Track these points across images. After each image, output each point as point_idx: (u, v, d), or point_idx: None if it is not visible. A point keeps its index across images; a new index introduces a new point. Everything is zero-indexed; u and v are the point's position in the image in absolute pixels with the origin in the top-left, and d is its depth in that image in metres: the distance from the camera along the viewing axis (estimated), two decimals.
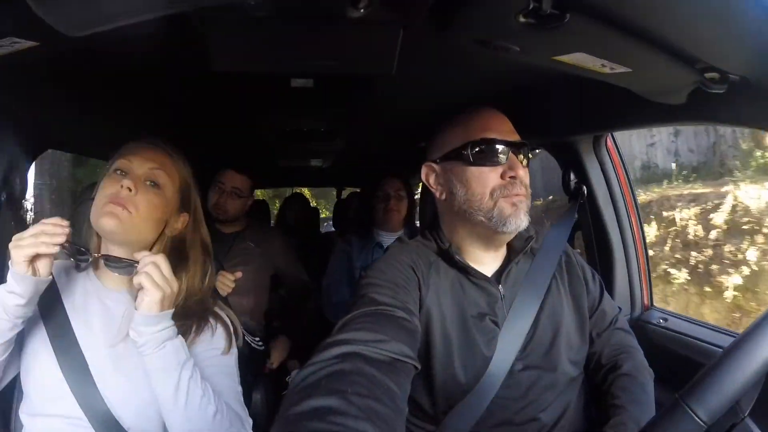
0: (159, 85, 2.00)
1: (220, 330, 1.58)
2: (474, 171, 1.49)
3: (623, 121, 1.92)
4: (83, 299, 1.53)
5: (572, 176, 2.25)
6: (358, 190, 6.17)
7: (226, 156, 3.27)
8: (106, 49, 1.30)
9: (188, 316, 1.52)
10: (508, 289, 1.55)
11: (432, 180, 1.62)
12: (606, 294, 1.73)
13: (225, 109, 2.41)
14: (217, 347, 1.56)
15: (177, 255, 1.55)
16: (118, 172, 1.48)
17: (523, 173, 1.47)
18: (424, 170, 1.63)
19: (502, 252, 1.62)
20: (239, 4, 1.07)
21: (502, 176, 1.46)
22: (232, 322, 1.65)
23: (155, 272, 1.34)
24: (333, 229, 6.04)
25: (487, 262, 1.59)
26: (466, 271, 1.54)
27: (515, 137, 1.51)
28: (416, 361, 1.20)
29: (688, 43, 1.14)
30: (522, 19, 1.06)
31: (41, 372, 1.43)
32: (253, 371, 2.92)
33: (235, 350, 1.63)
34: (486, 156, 1.48)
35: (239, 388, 1.61)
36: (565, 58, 1.29)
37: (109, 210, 1.42)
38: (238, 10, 1.12)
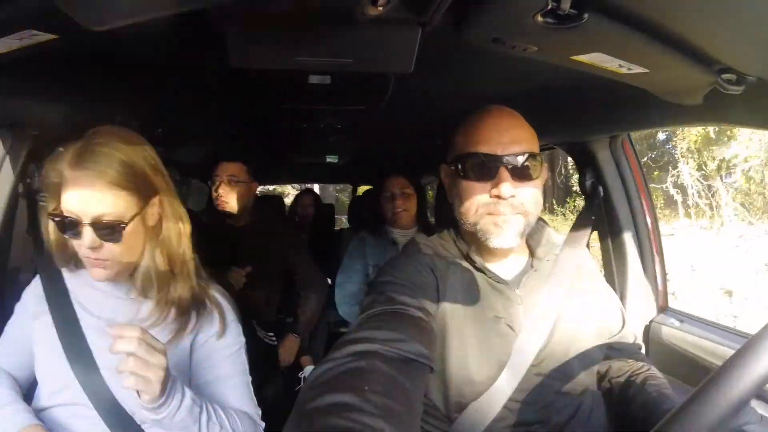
0: (176, 81, 2.02)
1: (220, 315, 1.59)
2: (464, 184, 1.48)
3: (639, 121, 1.92)
4: (88, 290, 1.56)
5: (588, 176, 2.25)
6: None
7: (242, 151, 3.28)
8: (125, 44, 1.31)
9: (188, 309, 1.54)
10: (526, 294, 1.54)
11: (446, 181, 1.62)
12: (623, 314, 1.73)
13: (242, 105, 2.43)
14: (219, 334, 1.57)
15: (155, 232, 1.52)
16: (69, 228, 1.40)
17: (515, 190, 1.41)
18: (441, 171, 1.63)
19: (523, 255, 1.62)
20: (259, 2, 1.09)
21: (490, 193, 1.43)
22: (231, 307, 1.65)
23: (140, 366, 1.22)
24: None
25: (505, 265, 1.58)
26: (485, 274, 1.54)
27: (517, 149, 1.43)
28: (432, 361, 1.20)
29: (705, 43, 1.14)
30: (540, 19, 1.06)
31: (48, 362, 1.47)
32: (267, 366, 2.94)
33: (241, 339, 1.64)
34: (475, 171, 1.45)
35: (248, 378, 1.63)
36: (582, 58, 1.29)
37: (93, 266, 1.43)
38: (258, 7, 1.14)
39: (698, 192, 13.24)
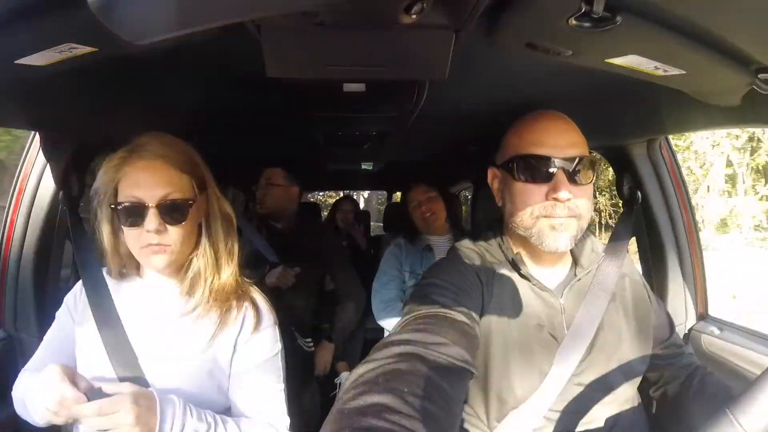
0: (213, 90, 2.04)
1: (257, 318, 1.61)
2: (519, 186, 1.47)
3: (677, 124, 1.90)
4: (135, 292, 1.60)
5: (626, 181, 2.23)
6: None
7: (277, 159, 3.35)
8: (161, 55, 1.33)
9: (231, 305, 1.57)
10: (569, 303, 1.53)
11: (495, 185, 1.61)
12: (671, 320, 1.72)
13: (277, 114, 2.45)
14: (256, 336, 1.59)
15: (204, 231, 1.57)
16: (132, 215, 1.44)
17: (570, 193, 1.40)
18: (489, 174, 1.62)
19: (567, 264, 1.60)
20: (294, 12, 1.10)
21: (546, 195, 1.42)
22: (269, 312, 1.67)
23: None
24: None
25: (551, 273, 1.57)
26: (529, 281, 1.53)
27: (573, 152, 1.43)
28: (473, 366, 1.20)
29: (742, 43, 1.13)
30: (574, 22, 1.05)
31: (92, 368, 1.50)
32: (304, 372, 2.96)
33: (278, 346, 1.65)
34: (531, 173, 1.44)
35: (281, 386, 1.63)
36: (618, 60, 1.28)
37: (154, 253, 1.47)
38: (293, 18, 1.15)
39: None
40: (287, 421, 1.60)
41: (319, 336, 3.36)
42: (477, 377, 1.41)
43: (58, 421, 1.31)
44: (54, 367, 1.30)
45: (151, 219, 1.42)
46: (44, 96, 1.60)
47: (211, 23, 0.95)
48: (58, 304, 1.69)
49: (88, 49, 1.21)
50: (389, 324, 3.23)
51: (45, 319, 1.74)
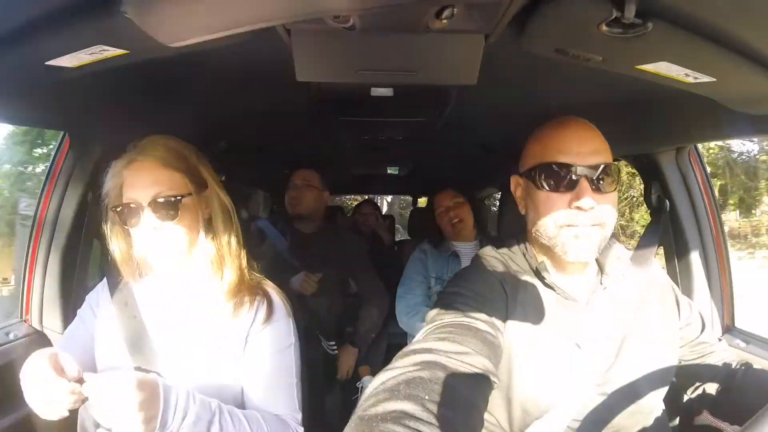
0: (242, 94, 2.07)
1: (269, 308, 1.63)
2: (542, 195, 1.44)
3: (706, 132, 1.88)
4: (150, 295, 1.65)
5: (654, 189, 2.21)
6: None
7: (304, 163, 3.37)
8: (193, 59, 1.35)
9: (240, 296, 1.59)
10: (594, 312, 1.51)
11: (518, 193, 1.59)
12: (702, 317, 1.68)
13: (304, 118, 2.47)
14: (268, 326, 1.61)
15: (208, 224, 1.61)
16: (130, 216, 1.50)
17: (594, 201, 1.36)
18: (512, 182, 1.60)
19: (592, 275, 1.58)
20: (324, 17, 1.11)
21: (569, 204, 1.39)
22: (284, 304, 1.69)
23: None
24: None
25: (575, 282, 1.55)
26: (554, 290, 1.52)
27: (596, 159, 1.39)
28: (496, 376, 1.21)
29: None
30: (605, 28, 1.05)
31: (109, 355, 1.55)
32: (327, 376, 2.97)
33: (291, 339, 1.66)
34: (555, 182, 1.40)
35: (292, 380, 1.64)
36: (648, 67, 1.27)
37: (155, 253, 1.53)
38: (324, 23, 1.16)
39: None
40: (299, 415, 1.61)
41: (343, 339, 3.37)
42: (501, 386, 1.42)
43: (57, 409, 1.30)
44: (38, 360, 1.30)
45: (147, 218, 1.48)
46: (74, 97, 1.64)
47: (243, 27, 0.97)
48: (83, 302, 1.74)
49: (119, 52, 1.24)
50: (413, 329, 3.23)
51: (71, 317, 1.77)
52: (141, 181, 1.49)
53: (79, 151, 2.05)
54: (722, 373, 1.55)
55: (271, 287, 1.70)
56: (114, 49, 1.22)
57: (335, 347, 3.24)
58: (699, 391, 1.62)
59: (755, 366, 1.51)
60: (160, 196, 1.49)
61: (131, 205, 1.49)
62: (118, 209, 1.51)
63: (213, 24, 0.97)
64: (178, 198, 1.51)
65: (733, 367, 1.55)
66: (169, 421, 1.29)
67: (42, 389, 1.27)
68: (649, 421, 1.50)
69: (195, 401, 1.37)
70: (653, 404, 1.51)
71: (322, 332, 3.14)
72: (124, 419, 1.23)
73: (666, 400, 1.57)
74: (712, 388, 1.57)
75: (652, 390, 1.49)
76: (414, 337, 1.30)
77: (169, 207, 1.49)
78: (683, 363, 1.58)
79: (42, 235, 2.06)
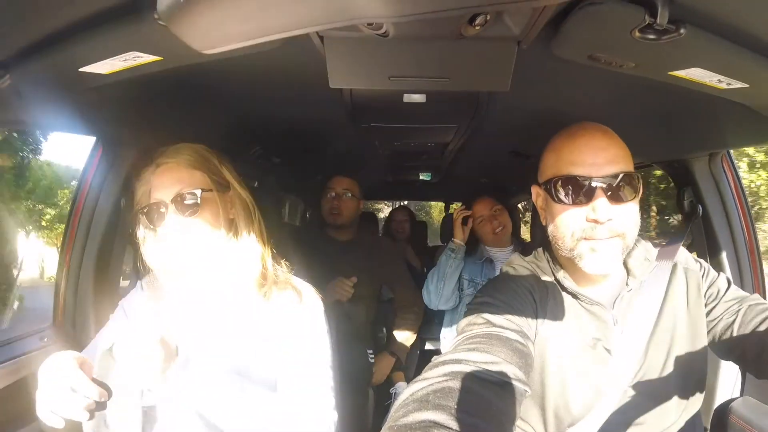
0: (275, 101, 2.10)
1: (297, 296, 1.66)
2: (558, 208, 1.43)
3: (739, 138, 1.87)
4: (178, 292, 1.68)
5: (687, 195, 2.20)
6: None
7: (337, 170, 3.40)
8: (227, 66, 1.39)
9: (263, 285, 1.63)
10: (621, 314, 1.50)
11: (539, 203, 1.58)
12: (731, 283, 1.57)
13: (337, 124, 2.49)
14: (297, 314, 1.63)
15: (233, 228, 1.66)
16: (155, 214, 1.56)
17: (613, 212, 1.35)
18: (533, 192, 1.59)
19: (619, 277, 1.56)
20: (357, 24, 1.13)
21: (586, 217, 1.38)
22: (312, 292, 1.71)
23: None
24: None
25: (602, 287, 1.54)
26: (578, 298, 1.52)
27: (612, 169, 1.37)
28: (527, 384, 1.20)
29: None
30: (637, 35, 1.06)
31: None
32: (363, 382, 2.98)
33: (323, 329, 1.68)
34: (570, 195, 1.40)
35: (328, 371, 1.64)
36: (681, 73, 1.27)
37: (179, 251, 1.57)
38: (356, 30, 1.18)
39: None
40: (334, 416, 1.60)
41: (380, 346, 3.38)
42: (534, 394, 1.42)
43: (68, 409, 1.29)
44: (62, 355, 1.34)
45: (170, 213, 1.54)
46: (107, 104, 1.67)
47: (278, 34, 0.98)
48: (116, 307, 1.77)
49: (153, 58, 1.27)
50: (435, 301, 3.32)
51: (102, 322, 1.79)
52: (165, 182, 1.56)
53: (111, 158, 2.08)
54: (757, 331, 1.39)
55: (300, 282, 1.72)
56: (147, 55, 1.25)
57: (372, 354, 3.25)
58: (737, 355, 1.49)
59: None
60: (182, 192, 1.55)
61: (156, 205, 1.55)
62: (145, 210, 1.58)
63: (247, 31, 0.98)
64: (198, 192, 1.57)
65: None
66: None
67: (58, 384, 1.28)
68: (682, 419, 1.50)
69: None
70: (685, 399, 1.50)
71: (358, 338, 3.14)
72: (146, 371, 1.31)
73: (700, 386, 1.55)
74: (749, 350, 1.41)
75: (684, 384, 1.49)
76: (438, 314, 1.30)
77: (191, 202, 1.56)
78: (716, 329, 1.50)
79: (76, 240, 2.09)
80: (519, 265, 1.64)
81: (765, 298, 2.19)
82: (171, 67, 1.33)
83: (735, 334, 1.44)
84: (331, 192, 3.27)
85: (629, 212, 1.40)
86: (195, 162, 1.60)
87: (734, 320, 1.45)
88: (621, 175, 1.37)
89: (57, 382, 1.28)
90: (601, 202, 1.35)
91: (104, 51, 1.21)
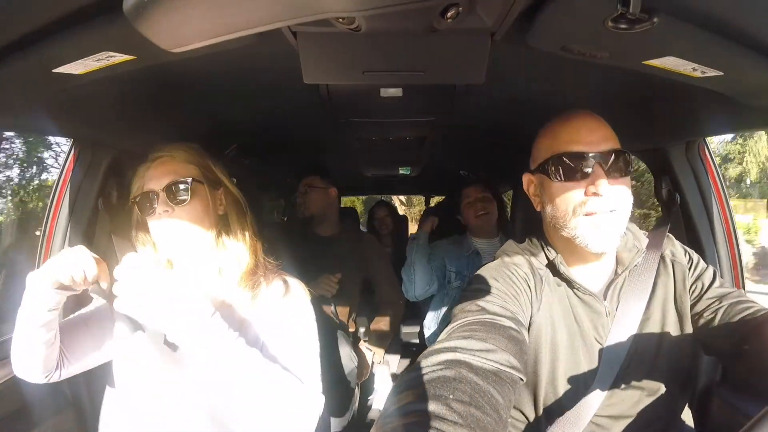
0: (250, 99, 2.08)
1: (285, 285, 1.68)
2: (558, 186, 1.46)
3: (716, 126, 1.87)
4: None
5: (664, 184, 2.20)
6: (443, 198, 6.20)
7: (314, 166, 3.40)
8: (201, 65, 1.38)
9: (252, 276, 1.64)
10: (613, 305, 1.52)
11: (531, 190, 1.60)
12: (716, 278, 1.57)
13: (314, 120, 2.47)
14: (283, 301, 1.64)
15: (223, 220, 1.68)
16: (146, 202, 1.59)
17: (610, 187, 1.39)
18: (524, 180, 1.61)
19: (609, 265, 1.58)
20: (330, 19, 1.11)
21: (585, 191, 1.40)
22: (299, 282, 1.73)
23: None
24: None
25: (593, 275, 1.56)
26: (573, 286, 1.53)
27: (607, 146, 1.42)
28: (522, 372, 1.20)
29: None
30: (610, 24, 1.05)
31: (131, 351, 1.57)
32: (350, 376, 2.98)
33: (310, 316, 1.68)
34: (569, 171, 1.42)
35: (315, 354, 1.64)
36: (655, 62, 1.27)
37: (167, 236, 1.59)
38: (329, 25, 1.16)
39: None
40: (320, 386, 1.59)
41: (357, 341, 3.38)
42: (527, 382, 1.42)
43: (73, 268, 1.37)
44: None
45: (161, 201, 1.56)
46: (82, 105, 1.65)
47: (245, 31, 0.96)
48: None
49: (126, 58, 1.25)
50: (419, 291, 3.33)
51: None
52: (158, 173, 1.60)
53: (87, 159, 2.06)
54: (735, 328, 1.41)
55: (287, 274, 1.74)
56: (120, 55, 1.23)
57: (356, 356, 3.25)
58: (717, 352, 1.55)
59: None
60: (173, 181, 1.58)
61: (147, 194, 1.58)
62: (137, 200, 1.60)
63: (214, 28, 0.97)
64: (189, 181, 1.59)
65: (751, 317, 1.40)
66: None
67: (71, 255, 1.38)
68: (670, 407, 1.52)
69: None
70: (673, 389, 1.51)
71: (342, 333, 3.14)
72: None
73: (689, 382, 1.57)
74: (727, 347, 1.44)
75: (672, 374, 1.50)
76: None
77: (181, 190, 1.58)
78: (698, 324, 1.52)
79: (53, 244, 2.07)
80: (513, 252, 1.64)
81: (744, 285, 2.22)
82: (145, 67, 1.32)
83: (715, 330, 1.45)
84: (299, 191, 3.35)
85: (623, 188, 1.43)
86: (189, 157, 1.65)
87: (715, 317, 1.46)
88: (615, 152, 1.41)
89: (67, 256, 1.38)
90: (599, 174, 1.39)
91: (78, 51, 1.20)
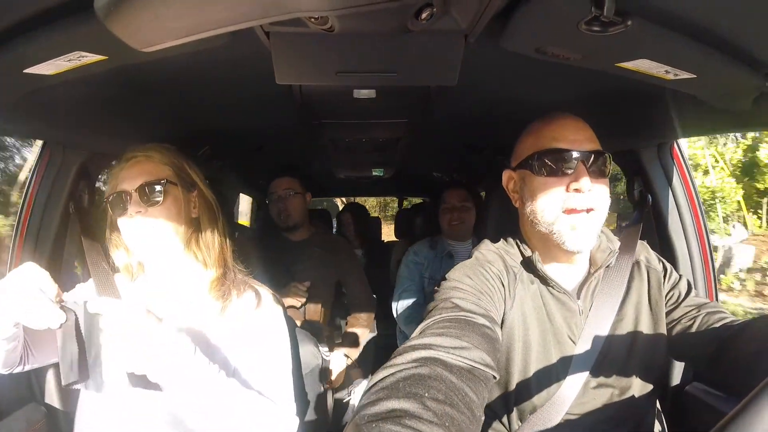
0: (223, 99, 2.05)
1: (258, 300, 1.67)
2: (541, 182, 1.47)
3: (688, 128, 1.89)
4: (138, 292, 1.69)
5: (637, 185, 2.22)
6: (421, 201, 6.18)
7: (288, 167, 3.36)
8: (173, 65, 1.35)
9: (221, 285, 1.64)
10: (586, 304, 1.53)
11: (510, 186, 1.62)
12: (692, 288, 1.62)
13: (287, 122, 2.46)
14: (256, 313, 1.64)
15: (196, 224, 1.67)
16: (119, 202, 1.57)
17: (591, 185, 1.41)
18: (504, 176, 1.63)
19: (583, 265, 1.60)
20: (302, 19, 1.10)
21: (567, 188, 1.43)
22: (270, 293, 1.73)
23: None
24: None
25: (568, 274, 1.57)
26: (547, 283, 1.54)
27: (590, 146, 1.46)
28: (495, 370, 1.19)
29: (752, 46, 1.13)
30: (583, 27, 1.05)
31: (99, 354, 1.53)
32: (320, 382, 2.96)
33: (282, 328, 1.68)
34: (552, 167, 1.45)
35: (287, 368, 1.64)
36: (628, 64, 1.28)
37: (139, 237, 1.57)
38: (302, 25, 1.15)
39: None
40: (293, 407, 1.60)
41: (332, 344, 3.36)
42: (499, 381, 1.41)
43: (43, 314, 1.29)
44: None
45: (133, 202, 1.55)
46: (53, 106, 1.63)
47: (215, 30, 0.95)
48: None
49: (98, 58, 1.23)
50: (412, 330, 3.23)
51: None
52: (131, 174, 1.58)
53: (59, 162, 2.02)
54: (713, 337, 1.46)
55: (258, 284, 1.73)
56: (92, 55, 1.21)
57: (328, 353, 3.22)
58: (691, 358, 1.62)
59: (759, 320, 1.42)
60: (146, 182, 1.56)
61: (120, 194, 1.56)
62: (110, 198, 1.58)
63: (185, 27, 0.95)
64: (163, 182, 1.58)
65: (726, 326, 1.45)
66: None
67: (25, 285, 1.27)
68: (641, 407, 1.53)
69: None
70: (645, 390, 1.53)
71: (314, 338, 3.11)
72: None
73: (661, 383, 1.58)
74: (704, 354, 1.48)
75: (644, 375, 1.52)
76: (411, 336, 1.29)
77: (154, 192, 1.56)
78: (673, 331, 1.55)
79: (24, 249, 2.02)
80: (488, 250, 1.65)
81: (716, 285, 2.24)
82: (117, 67, 1.30)
83: (691, 338, 1.49)
84: (274, 195, 3.25)
85: (603, 189, 1.47)
86: (163, 158, 1.64)
87: (692, 324, 1.50)
88: (596, 152, 1.46)
89: (23, 283, 1.27)
90: (582, 171, 1.43)
91: (49, 51, 1.18)
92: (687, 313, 1.53)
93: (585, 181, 1.40)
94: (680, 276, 1.64)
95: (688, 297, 1.57)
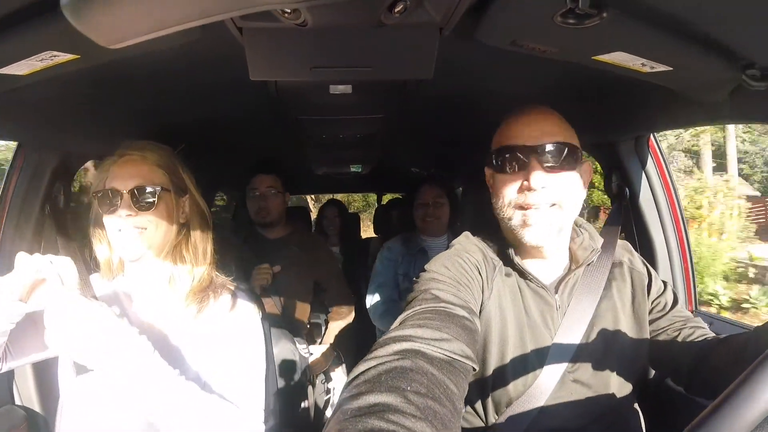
0: (198, 96, 2.04)
1: (232, 301, 1.66)
2: (500, 178, 1.49)
3: (665, 121, 1.89)
4: (122, 296, 1.65)
5: (614, 178, 2.23)
6: (399, 196, 6.17)
7: (265, 163, 3.32)
8: (147, 62, 1.34)
9: (202, 289, 1.62)
10: (564, 299, 1.53)
11: (490, 182, 1.61)
12: (678, 300, 1.63)
13: (263, 118, 2.44)
14: (230, 317, 1.63)
15: (185, 228, 1.65)
16: (109, 200, 1.53)
17: (550, 181, 1.41)
18: (486, 173, 1.62)
19: (562, 261, 1.60)
20: (275, 13, 1.08)
21: (521, 185, 1.43)
22: (247, 295, 1.72)
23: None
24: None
25: (545, 268, 1.57)
26: (525, 277, 1.54)
27: (547, 140, 1.42)
28: (475, 361, 1.19)
29: (728, 39, 1.13)
30: (559, 20, 1.05)
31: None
32: (301, 378, 2.94)
33: (258, 335, 1.67)
34: (506, 164, 1.45)
35: (258, 376, 1.63)
36: (604, 57, 1.28)
37: (127, 239, 1.54)
38: (275, 20, 1.14)
39: None
40: (261, 414, 1.58)
41: (312, 341, 3.34)
42: (475, 373, 1.41)
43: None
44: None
45: (124, 204, 1.52)
46: (27, 106, 1.61)
47: (186, 24, 0.93)
48: None
49: (70, 57, 1.21)
50: (386, 326, 3.22)
51: None
52: (125, 173, 1.55)
53: (34, 163, 1.99)
54: (695, 348, 1.49)
55: (236, 286, 1.71)
56: (64, 54, 1.20)
57: (307, 349, 3.21)
58: (672, 368, 1.58)
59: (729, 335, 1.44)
60: (139, 186, 1.53)
61: (111, 192, 1.53)
62: (99, 194, 1.54)
63: (153, 23, 0.93)
64: (157, 189, 1.55)
65: (708, 339, 1.49)
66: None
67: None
68: (621, 405, 1.53)
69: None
70: (625, 387, 1.54)
71: (293, 334, 3.10)
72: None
73: (640, 380, 1.59)
74: (685, 364, 1.50)
75: (625, 372, 1.52)
76: (390, 327, 1.28)
77: (147, 197, 1.54)
78: (656, 339, 1.57)
79: (1, 249, 1.98)
80: (468, 241, 1.65)
81: (694, 276, 2.26)
82: (90, 66, 1.29)
83: (673, 350, 1.51)
84: (255, 192, 3.20)
85: (565, 181, 1.44)
86: (159, 160, 1.60)
87: (676, 336, 1.52)
88: (556, 145, 1.42)
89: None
90: (534, 168, 1.40)
91: (21, 51, 1.17)
92: (672, 324, 1.55)
93: (536, 177, 1.39)
94: (665, 284, 1.65)
95: (674, 308, 1.59)
